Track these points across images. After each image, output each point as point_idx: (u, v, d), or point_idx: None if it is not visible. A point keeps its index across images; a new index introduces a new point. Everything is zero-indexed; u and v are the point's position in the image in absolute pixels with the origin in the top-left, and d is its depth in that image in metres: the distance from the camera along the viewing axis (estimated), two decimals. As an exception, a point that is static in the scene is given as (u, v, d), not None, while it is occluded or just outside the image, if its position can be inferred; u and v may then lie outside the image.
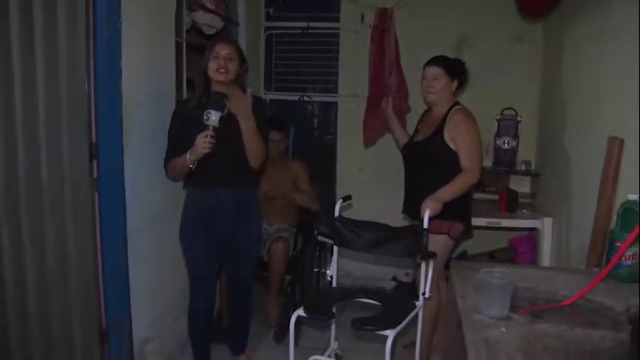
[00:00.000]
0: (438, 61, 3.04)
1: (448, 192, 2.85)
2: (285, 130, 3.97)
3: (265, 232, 3.70)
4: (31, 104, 2.66)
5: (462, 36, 4.22)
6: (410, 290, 3.70)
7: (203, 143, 2.59)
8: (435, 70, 3.01)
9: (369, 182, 4.48)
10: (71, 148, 2.67)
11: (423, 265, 2.72)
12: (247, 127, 2.70)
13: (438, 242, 2.88)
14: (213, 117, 2.58)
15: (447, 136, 2.96)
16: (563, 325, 1.58)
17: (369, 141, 4.29)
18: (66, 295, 2.81)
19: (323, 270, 3.85)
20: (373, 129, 4.18)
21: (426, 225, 2.69)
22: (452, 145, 2.96)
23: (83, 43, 2.58)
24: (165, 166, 2.83)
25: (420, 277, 2.76)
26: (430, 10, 4.35)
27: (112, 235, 2.73)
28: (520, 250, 3.94)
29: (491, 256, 4.07)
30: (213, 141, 2.60)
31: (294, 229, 3.79)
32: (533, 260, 3.83)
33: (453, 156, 2.95)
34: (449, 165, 2.94)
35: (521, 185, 4.11)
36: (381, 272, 4.45)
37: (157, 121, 2.93)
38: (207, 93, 2.72)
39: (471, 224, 3.14)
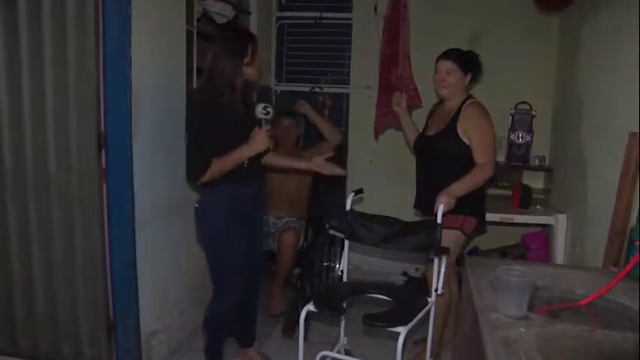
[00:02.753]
0: (451, 54, 2.97)
1: (462, 187, 2.80)
2: (293, 116, 3.90)
3: (274, 225, 3.66)
4: (39, 93, 2.65)
5: (476, 29, 4.14)
6: (420, 285, 3.66)
7: (266, 139, 2.58)
8: (448, 65, 2.95)
9: (380, 175, 4.44)
10: (79, 137, 2.66)
11: (436, 261, 2.67)
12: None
13: (450, 237, 2.83)
14: (272, 111, 2.58)
15: (460, 130, 2.91)
16: (582, 325, 1.53)
17: (377, 131, 4.24)
18: (73, 286, 2.80)
19: (332, 264, 3.81)
20: (381, 120, 4.14)
21: (439, 220, 2.64)
22: (465, 139, 2.90)
23: (92, 31, 2.55)
24: (204, 171, 2.52)
25: (431, 272, 2.72)
26: (443, 2, 4.29)
27: (119, 225, 2.70)
28: (533, 247, 3.88)
29: (503, 253, 4.01)
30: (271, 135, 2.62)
31: (304, 222, 3.74)
32: (546, 257, 3.77)
33: (466, 150, 2.89)
34: (462, 159, 2.89)
35: (534, 181, 4.04)
36: (390, 266, 4.40)
37: (166, 111, 2.89)
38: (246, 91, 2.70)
39: (484, 219, 3.09)
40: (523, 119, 3.91)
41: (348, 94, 4.60)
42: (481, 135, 2.87)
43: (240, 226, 2.70)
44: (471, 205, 2.91)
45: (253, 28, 4.18)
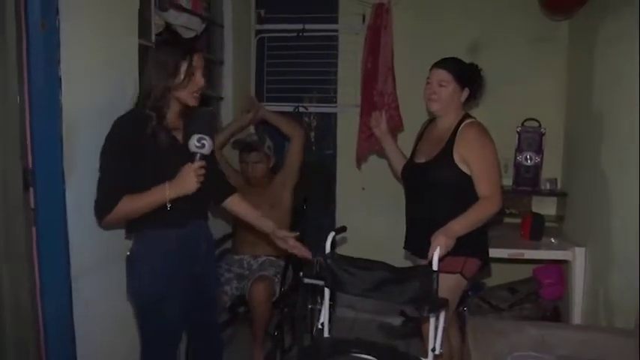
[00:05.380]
0: (447, 63, 2.55)
1: (464, 224, 2.36)
2: (259, 149, 3.41)
3: (249, 267, 3.21)
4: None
5: (475, 38, 3.74)
6: (419, 327, 3.24)
7: (196, 177, 2.09)
8: (441, 75, 2.53)
9: (373, 203, 4.03)
10: (3, 174, 2.23)
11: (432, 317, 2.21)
12: None
13: (448, 283, 2.39)
14: (209, 143, 2.11)
15: (457, 157, 2.49)
16: None
17: (361, 158, 3.74)
18: (1, 347, 2.37)
19: (319, 307, 3.35)
20: (365, 144, 3.64)
21: (435, 266, 2.18)
22: (463, 167, 2.49)
23: (13, 48, 2.13)
24: (110, 207, 2.13)
25: (427, 327, 2.26)
26: (437, 7, 3.90)
27: (53, 276, 2.28)
28: (546, 282, 3.46)
29: (513, 290, 3.57)
30: (204, 173, 2.13)
31: (283, 262, 3.27)
32: (561, 293, 3.37)
33: (465, 180, 2.48)
34: (459, 191, 2.48)
35: (545, 207, 3.65)
36: (387, 305, 3.94)
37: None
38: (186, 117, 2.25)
39: (488, 259, 2.64)
40: (531, 138, 3.55)
41: (335, 114, 4.20)
42: (483, 162, 2.45)
43: (179, 275, 2.26)
44: (473, 244, 2.48)
45: (228, 42, 3.80)
